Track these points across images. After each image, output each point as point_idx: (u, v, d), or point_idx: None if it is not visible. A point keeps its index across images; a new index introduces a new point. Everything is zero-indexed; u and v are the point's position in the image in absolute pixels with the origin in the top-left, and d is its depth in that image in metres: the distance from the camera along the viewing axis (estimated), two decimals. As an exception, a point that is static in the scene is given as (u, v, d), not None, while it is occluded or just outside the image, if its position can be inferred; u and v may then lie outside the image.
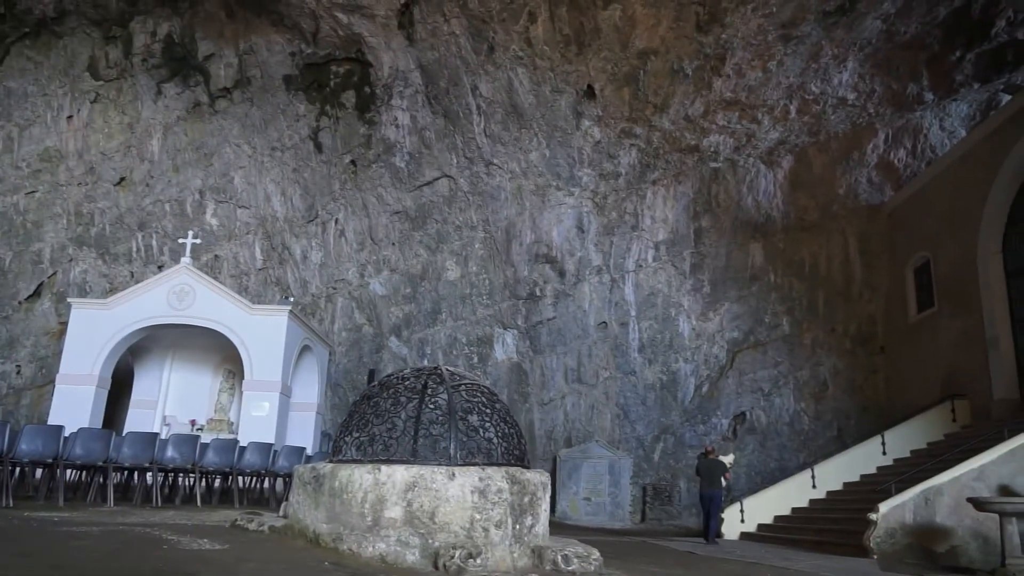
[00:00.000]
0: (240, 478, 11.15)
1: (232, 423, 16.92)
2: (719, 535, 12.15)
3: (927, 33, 14.60)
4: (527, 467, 6.82)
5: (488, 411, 6.70)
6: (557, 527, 14.50)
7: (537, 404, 17.52)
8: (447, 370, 6.94)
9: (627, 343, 17.17)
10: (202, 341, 16.53)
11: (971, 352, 13.38)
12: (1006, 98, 14.85)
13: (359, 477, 6.08)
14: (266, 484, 12.06)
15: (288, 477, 11.16)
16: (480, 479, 6.07)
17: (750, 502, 13.63)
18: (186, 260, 16.04)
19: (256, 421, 15.12)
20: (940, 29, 14.50)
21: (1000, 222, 13.08)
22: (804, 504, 13.38)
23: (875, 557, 8.83)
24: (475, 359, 17.77)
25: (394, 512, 5.96)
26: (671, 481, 16.73)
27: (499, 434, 6.68)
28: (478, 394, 6.84)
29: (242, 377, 15.81)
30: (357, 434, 6.59)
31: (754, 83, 15.57)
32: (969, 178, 13.68)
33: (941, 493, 8.90)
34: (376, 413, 6.58)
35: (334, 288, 18.70)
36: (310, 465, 6.60)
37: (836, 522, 11.44)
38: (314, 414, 17.61)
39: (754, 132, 16.31)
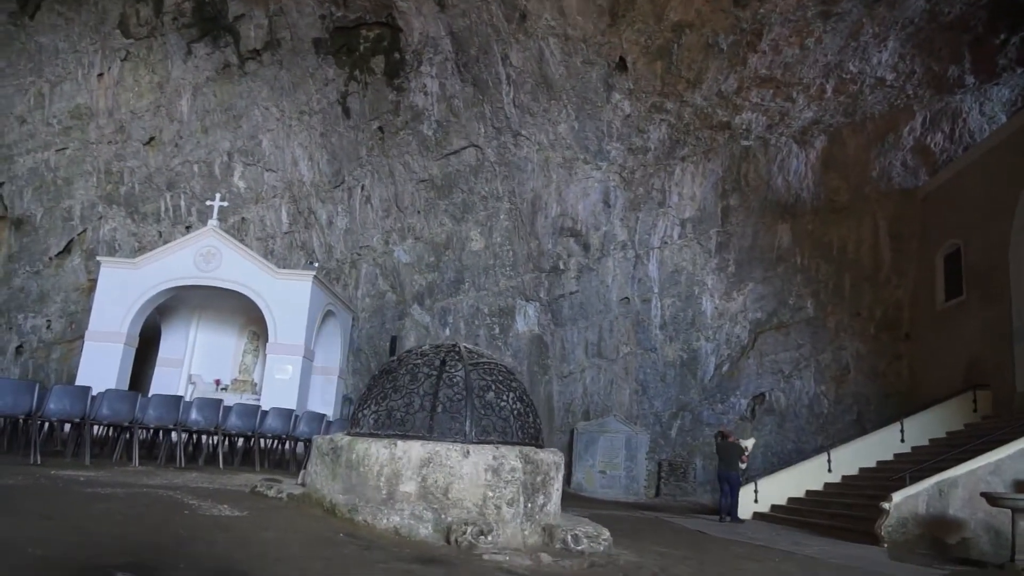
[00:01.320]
0: (262, 440, 11.39)
1: (256, 384, 17.25)
2: (738, 517, 12.22)
3: (971, 14, 14.18)
4: (541, 446, 6.90)
5: (504, 389, 6.77)
6: (572, 499, 14.70)
7: (557, 377, 17.61)
8: (465, 347, 7.00)
9: (649, 319, 17.14)
10: (228, 303, 16.79)
11: (997, 343, 13.20)
12: (1050, 84, 14.43)
13: (376, 451, 6.19)
14: (287, 446, 12.30)
15: (308, 442, 11.38)
16: (494, 457, 6.16)
17: (765, 483, 13.66)
18: (213, 222, 16.22)
19: (279, 383, 15.38)
20: (985, 10, 14.07)
21: (1035, 212, 12.79)
22: (819, 488, 13.38)
23: (886, 546, 8.85)
24: (496, 330, 17.86)
25: (409, 487, 6.07)
26: (687, 458, 16.80)
27: (514, 413, 6.75)
28: (495, 372, 6.91)
29: (266, 339, 16.06)
30: (375, 407, 6.69)
31: (790, 60, 15.26)
32: (1006, 165, 13.35)
33: (956, 485, 8.87)
34: (394, 388, 6.67)
35: (358, 254, 18.82)
36: (328, 436, 6.73)
37: (850, 507, 11.43)
38: (336, 378, 17.89)
39: (788, 111, 16.03)
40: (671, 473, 16.57)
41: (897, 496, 9.01)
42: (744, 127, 16.31)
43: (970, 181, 14.57)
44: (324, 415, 11.75)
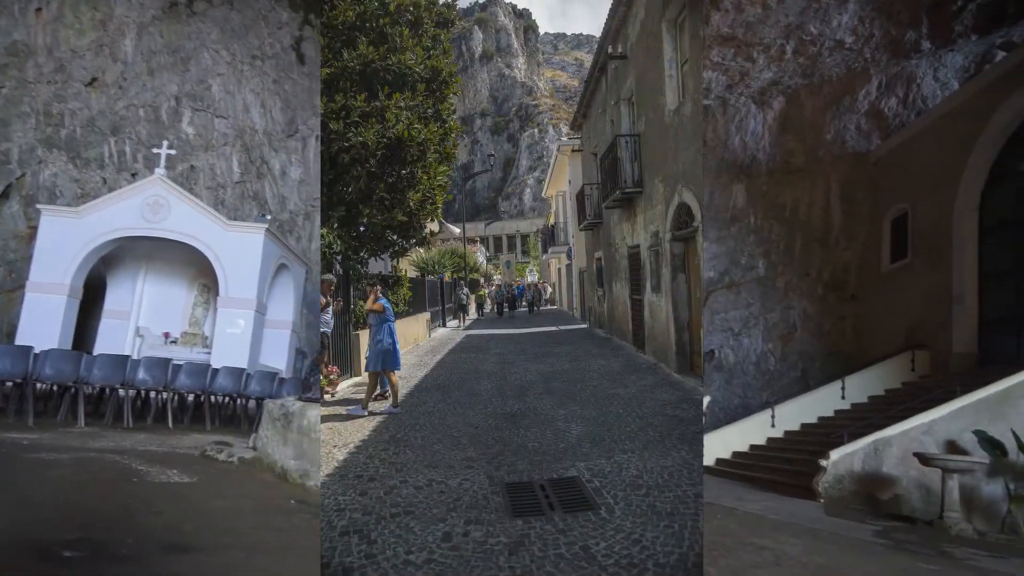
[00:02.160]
0: (212, 397, 11.27)
1: (206, 337, 16.98)
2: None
3: (930, -22, 14.24)
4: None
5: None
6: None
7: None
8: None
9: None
10: (177, 254, 16.38)
11: (937, 306, 13.62)
12: (1001, 55, 14.64)
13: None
14: (238, 403, 12.21)
15: (260, 400, 11.31)
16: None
17: (710, 438, 13.99)
18: (160, 171, 15.70)
19: (230, 338, 15.16)
20: (943, -26, 14.14)
21: (980, 180, 13.07)
22: (762, 442, 13.80)
23: (822, 501, 9.20)
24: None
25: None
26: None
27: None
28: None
29: (217, 292, 15.77)
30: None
31: (752, 19, 15.14)
32: (956, 133, 13.58)
33: (891, 444, 9.21)
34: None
35: (312, 206, 18.50)
36: (280, 402, 6.71)
37: (791, 463, 11.78)
38: (289, 332, 17.71)
39: (748, 71, 15.97)
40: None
41: (835, 454, 9.34)
42: (704, 86, 16.25)
43: (921, 147, 14.81)
44: (276, 373, 11.65)
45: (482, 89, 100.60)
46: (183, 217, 15.28)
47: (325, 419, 8.21)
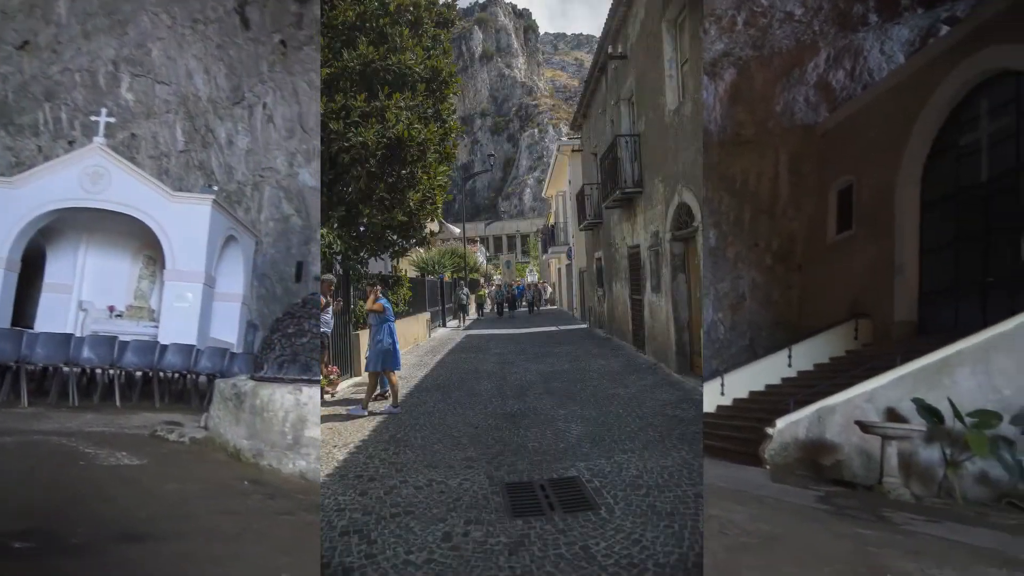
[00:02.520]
0: (160, 373, 11.04)
1: (153, 311, 16.61)
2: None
3: (878, -49, 14.43)
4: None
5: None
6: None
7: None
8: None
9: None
10: (120, 225, 15.90)
11: (879, 276, 14.03)
12: (945, 29, 14.95)
13: (280, 396, 6.14)
14: (188, 379, 11.98)
15: (211, 377, 11.13)
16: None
17: (663, 407, 14.33)
18: (99, 139, 15.16)
19: (178, 311, 14.87)
20: (891, -52, 14.34)
21: (923, 153, 13.42)
22: (712, 410, 14.10)
23: (768, 468, 9.49)
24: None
25: (315, 431, 6.08)
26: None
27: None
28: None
29: (163, 264, 15.40)
30: (279, 352, 6.60)
31: (703, -10, 15.21)
32: (900, 106, 13.89)
33: (834, 412, 9.51)
34: (299, 332, 6.58)
35: (261, 176, 18.10)
36: (232, 382, 6.61)
37: (739, 430, 12.09)
38: (239, 304, 17.41)
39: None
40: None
41: (780, 422, 9.61)
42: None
43: (866, 120, 15.11)
44: (227, 349, 11.45)
45: (482, 89, 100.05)
46: (125, 187, 14.82)
47: (325, 419, 8.18)
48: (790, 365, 14.28)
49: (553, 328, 25.55)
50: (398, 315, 14.06)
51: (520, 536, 4.62)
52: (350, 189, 13.80)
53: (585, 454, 6.87)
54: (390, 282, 16.98)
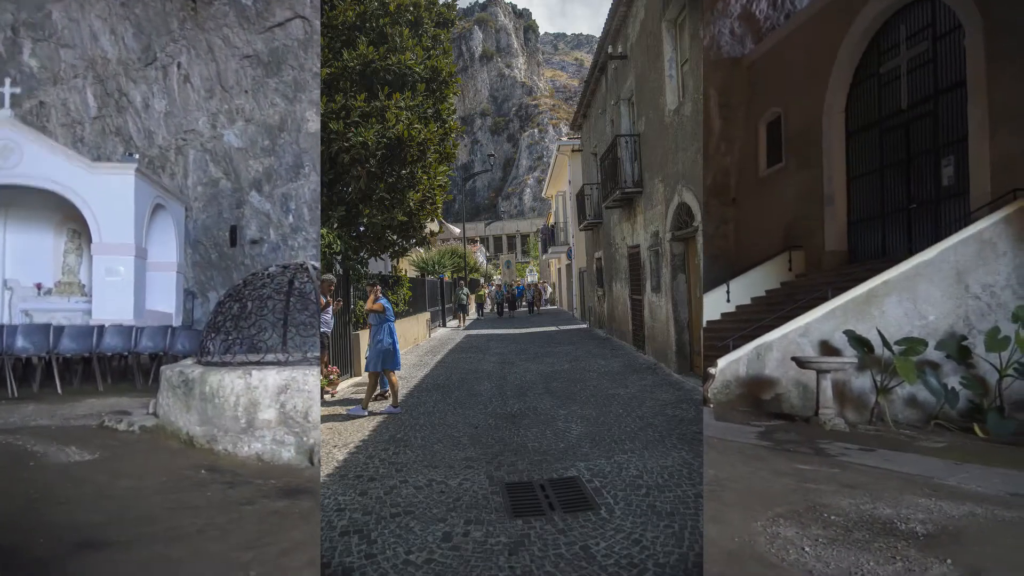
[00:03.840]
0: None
1: (84, 286, 16.04)
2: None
3: None
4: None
5: (358, 306, 6.76)
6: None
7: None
8: (312, 266, 6.86)
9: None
10: (38, 200, 15.16)
11: (810, 206, 14.45)
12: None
13: (230, 381, 6.09)
14: (130, 358, 11.71)
15: (153, 357, 10.91)
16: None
17: (608, 348, 14.66)
18: (6, 112, 14.30)
19: (110, 285, 14.39)
20: None
21: (846, 82, 13.71)
22: (656, 348, 14.55)
23: (712, 406, 9.87)
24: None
25: (268, 414, 6.07)
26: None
27: (370, 327, 6.80)
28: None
29: (89, 238, 14.81)
30: (225, 335, 6.51)
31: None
32: (822, 36, 14.08)
33: (771, 348, 9.88)
34: (243, 314, 6.49)
35: (184, 140, 17.41)
36: (178, 368, 6.51)
37: (683, 367, 12.54)
38: (174, 273, 16.94)
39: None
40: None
41: (722, 362, 9.95)
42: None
43: (790, 50, 15.28)
44: (168, 327, 11.17)
45: (482, 89, 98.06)
46: (38, 160, 14.10)
47: (325, 419, 8.06)
48: (728, 300, 14.70)
49: (553, 328, 25.65)
50: (398, 315, 14.05)
51: (520, 536, 4.65)
52: (350, 189, 13.62)
53: (585, 454, 6.88)
54: (390, 282, 16.89)
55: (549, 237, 37.18)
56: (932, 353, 9.33)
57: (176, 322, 16.34)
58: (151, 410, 7.02)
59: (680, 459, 6.68)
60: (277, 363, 6.27)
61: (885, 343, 8.89)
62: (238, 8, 16.12)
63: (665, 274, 14.46)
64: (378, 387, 9.86)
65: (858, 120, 13.59)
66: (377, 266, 18.38)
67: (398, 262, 20.46)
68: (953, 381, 9.20)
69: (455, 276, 32.79)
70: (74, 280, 16.21)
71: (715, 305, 14.71)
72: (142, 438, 6.47)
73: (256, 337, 6.38)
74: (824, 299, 10.11)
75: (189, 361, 7.09)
